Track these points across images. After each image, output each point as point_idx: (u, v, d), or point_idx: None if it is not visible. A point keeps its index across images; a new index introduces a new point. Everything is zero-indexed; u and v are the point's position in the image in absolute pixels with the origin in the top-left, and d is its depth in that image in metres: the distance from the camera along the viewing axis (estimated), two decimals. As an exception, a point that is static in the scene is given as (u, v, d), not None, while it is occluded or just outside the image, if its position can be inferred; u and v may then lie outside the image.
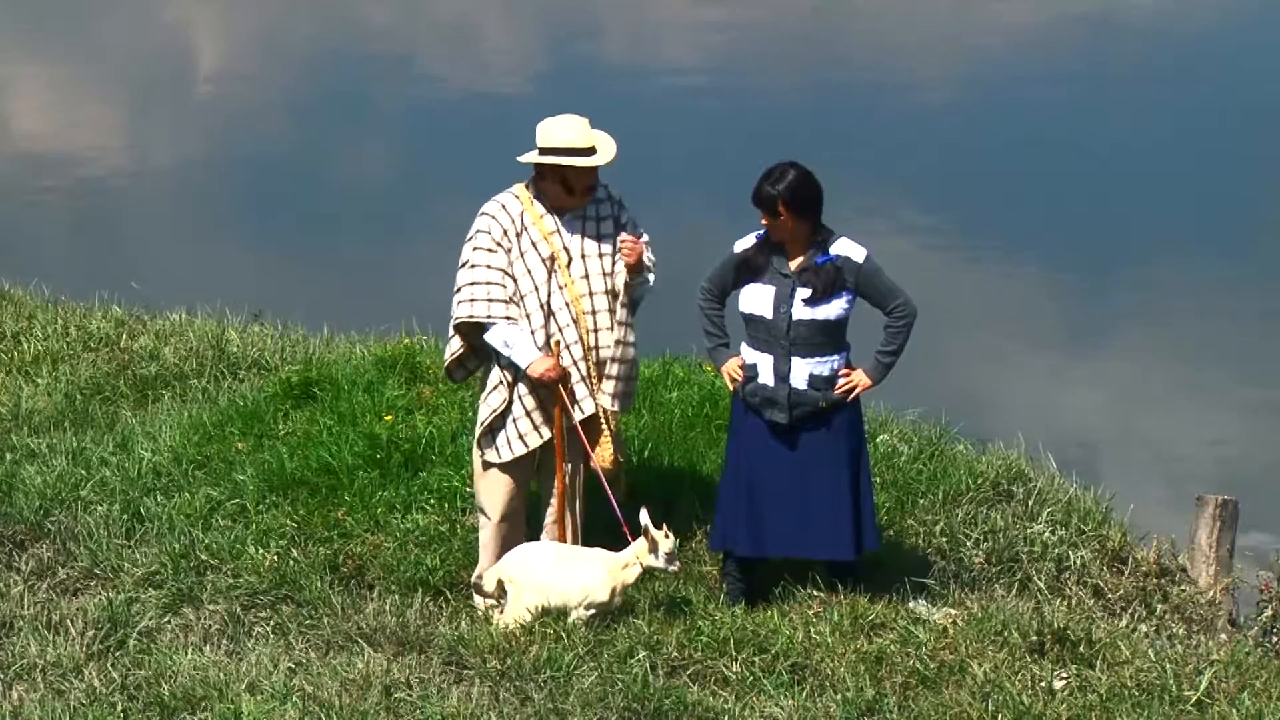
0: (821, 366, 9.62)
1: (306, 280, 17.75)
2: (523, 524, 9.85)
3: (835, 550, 9.73)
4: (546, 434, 9.66)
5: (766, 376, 9.64)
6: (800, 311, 9.54)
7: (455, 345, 9.79)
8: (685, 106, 23.98)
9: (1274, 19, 27.60)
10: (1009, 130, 22.81)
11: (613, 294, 9.72)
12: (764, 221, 9.60)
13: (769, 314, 9.59)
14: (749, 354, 9.70)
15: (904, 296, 9.65)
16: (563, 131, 9.56)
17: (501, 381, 9.65)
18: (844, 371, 9.67)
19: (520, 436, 9.64)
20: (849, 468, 9.72)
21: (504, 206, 9.66)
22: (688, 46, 27.40)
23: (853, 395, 9.69)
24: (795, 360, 9.58)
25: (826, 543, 9.70)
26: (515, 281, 9.58)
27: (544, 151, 9.56)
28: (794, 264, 9.59)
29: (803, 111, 23.53)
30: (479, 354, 9.85)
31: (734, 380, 9.74)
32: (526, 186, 9.71)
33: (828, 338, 9.60)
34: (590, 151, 9.55)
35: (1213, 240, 18.91)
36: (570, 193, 9.62)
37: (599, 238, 9.71)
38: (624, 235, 9.69)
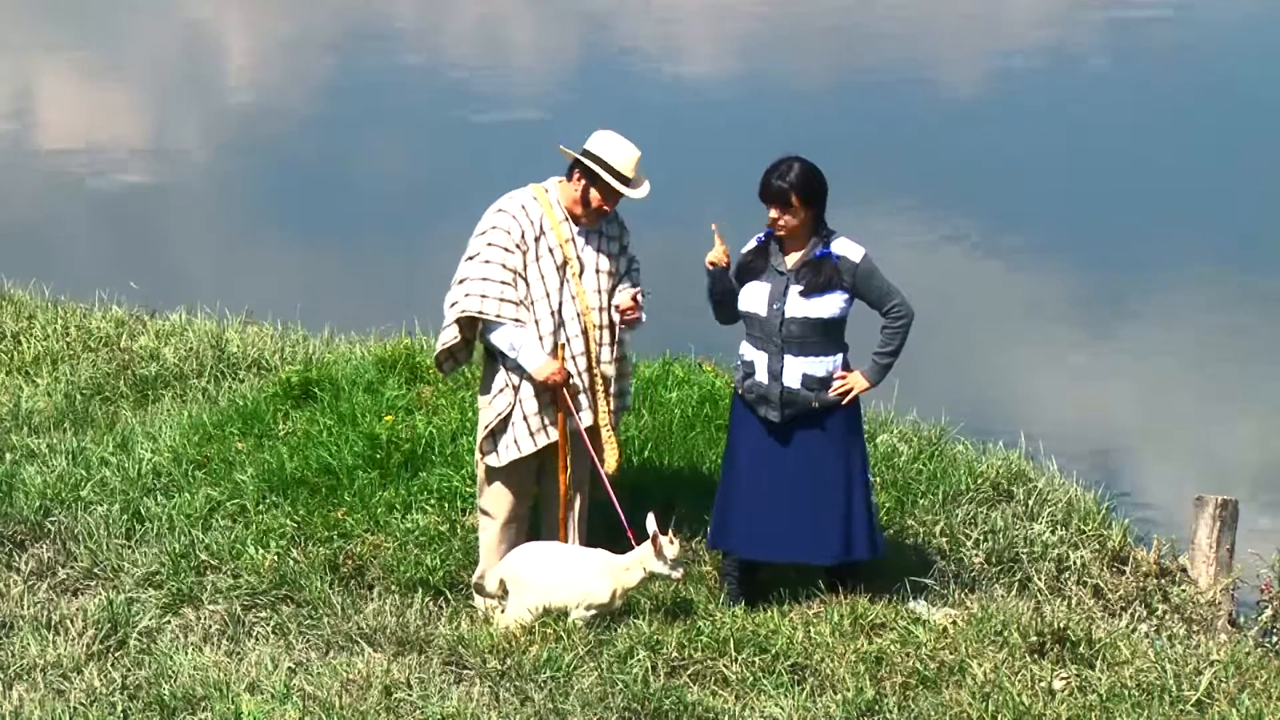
0: (816, 366, 9.58)
1: (306, 280, 17.74)
2: (525, 525, 9.84)
3: (816, 555, 9.67)
4: (546, 439, 9.62)
5: (761, 374, 9.61)
6: (793, 308, 9.52)
7: (449, 335, 9.67)
8: (703, 102, 23.97)
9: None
10: (1026, 129, 22.77)
11: (609, 310, 9.70)
12: (773, 216, 9.54)
13: (763, 310, 9.56)
14: (747, 351, 9.68)
15: (900, 297, 9.61)
16: (617, 153, 9.47)
17: (506, 385, 9.61)
18: (839, 374, 9.65)
19: (516, 441, 9.60)
20: (842, 471, 9.66)
21: (524, 208, 9.57)
22: (709, 43, 27.39)
23: (850, 398, 9.66)
24: (788, 358, 9.55)
25: (807, 546, 9.64)
26: (528, 286, 9.55)
27: (591, 156, 9.49)
28: (791, 261, 9.59)
29: (819, 110, 23.51)
30: (470, 347, 9.81)
31: (715, 263, 9.59)
32: (545, 190, 9.67)
33: (822, 337, 9.56)
34: (630, 182, 9.51)
35: (1222, 240, 18.88)
36: (585, 205, 9.57)
37: (607, 254, 9.68)
38: (630, 294, 9.65)
